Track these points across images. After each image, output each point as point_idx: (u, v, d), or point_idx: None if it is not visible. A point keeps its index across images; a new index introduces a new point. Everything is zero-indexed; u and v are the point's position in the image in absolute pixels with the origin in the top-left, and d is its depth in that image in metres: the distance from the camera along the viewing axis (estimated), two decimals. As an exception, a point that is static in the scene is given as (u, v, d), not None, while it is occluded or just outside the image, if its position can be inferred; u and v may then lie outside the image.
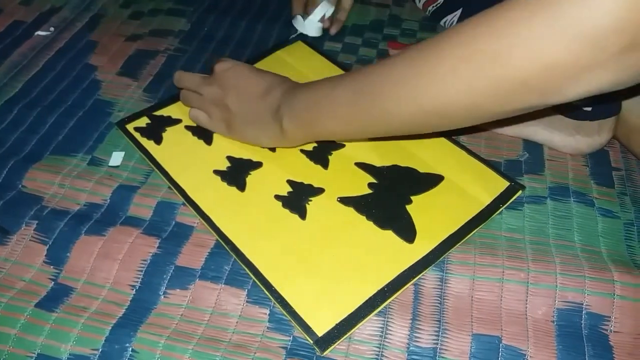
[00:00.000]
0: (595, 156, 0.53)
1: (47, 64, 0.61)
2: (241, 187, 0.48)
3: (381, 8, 0.71)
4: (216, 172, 0.49)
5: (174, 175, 0.49)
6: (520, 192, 0.48)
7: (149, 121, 0.54)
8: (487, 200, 0.47)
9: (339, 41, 0.66)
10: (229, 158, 0.50)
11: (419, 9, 0.70)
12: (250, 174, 0.49)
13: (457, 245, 0.44)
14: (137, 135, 0.53)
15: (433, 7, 0.67)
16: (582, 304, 0.41)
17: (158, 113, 0.55)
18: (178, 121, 0.54)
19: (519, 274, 0.43)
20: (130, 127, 0.54)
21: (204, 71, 0.60)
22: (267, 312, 0.41)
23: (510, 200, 0.48)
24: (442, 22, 0.67)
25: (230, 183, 0.48)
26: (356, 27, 0.68)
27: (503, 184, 0.49)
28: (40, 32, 0.66)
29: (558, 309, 0.41)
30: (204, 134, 0.52)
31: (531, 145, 0.54)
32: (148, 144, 0.52)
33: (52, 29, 0.66)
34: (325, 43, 0.66)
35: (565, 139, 0.52)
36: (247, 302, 0.41)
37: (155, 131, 0.53)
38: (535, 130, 0.53)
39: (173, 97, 0.56)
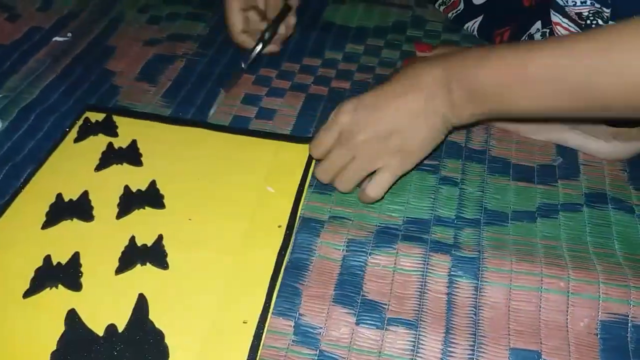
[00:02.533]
0: (634, 160, 0.50)
1: (64, 70, 0.61)
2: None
3: (403, 10, 0.70)
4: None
5: None
6: None
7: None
8: None
9: (361, 43, 0.64)
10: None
11: (441, 12, 0.68)
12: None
13: (490, 251, 0.42)
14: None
15: (453, 13, 0.66)
16: (628, 316, 0.39)
17: None
18: None
19: (559, 282, 0.40)
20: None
21: (229, 82, 0.59)
22: (292, 324, 0.39)
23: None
24: (464, 27, 0.65)
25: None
26: (378, 29, 0.66)
27: None
28: (58, 38, 0.65)
29: (602, 321, 0.39)
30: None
31: (565, 149, 0.52)
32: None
33: (69, 34, 0.66)
34: (347, 45, 0.64)
35: (601, 145, 0.50)
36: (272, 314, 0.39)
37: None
38: (568, 136, 0.51)
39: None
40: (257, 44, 0.58)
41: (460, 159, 0.51)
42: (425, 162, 0.49)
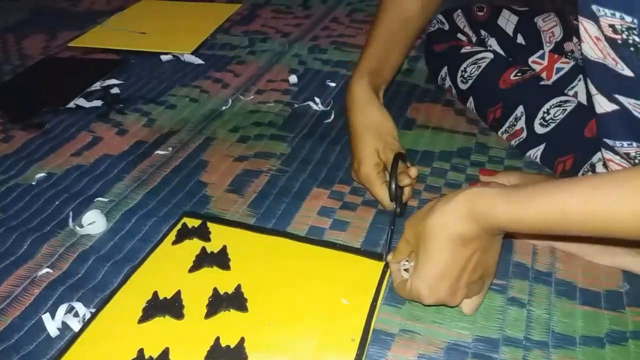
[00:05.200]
0: None
1: (163, 180, 0.69)
2: None
3: (467, 137, 0.75)
4: None
5: None
6: None
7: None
8: None
9: (428, 165, 0.70)
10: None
11: (504, 140, 0.73)
12: None
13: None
14: None
15: (516, 141, 0.70)
16: None
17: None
18: None
19: (633, 414, 0.40)
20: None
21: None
22: None
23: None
24: (527, 155, 0.69)
25: None
26: (444, 154, 0.72)
27: None
28: (159, 152, 0.74)
29: None
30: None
31: (632, 275, 0.53)
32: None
33: (170, 148, 0.75)
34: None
35: (669, 271, 0.50)
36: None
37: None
38: (633, 262, 0.52)
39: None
40: (397, 207, 0.59)
41: (527, 280, 0.53)
42: (494, 282, 0.52)
